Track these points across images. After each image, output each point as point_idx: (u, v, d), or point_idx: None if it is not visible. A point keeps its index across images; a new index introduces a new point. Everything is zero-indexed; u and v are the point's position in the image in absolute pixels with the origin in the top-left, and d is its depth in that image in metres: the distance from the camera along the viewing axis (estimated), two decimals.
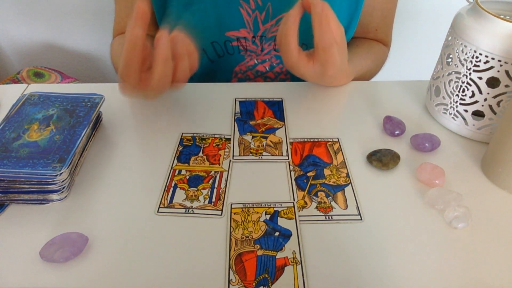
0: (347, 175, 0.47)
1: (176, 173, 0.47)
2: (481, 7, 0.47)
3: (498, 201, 0.45)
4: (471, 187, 0.46)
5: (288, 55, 0.51)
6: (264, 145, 0.51)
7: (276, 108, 0.58)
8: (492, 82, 0.48)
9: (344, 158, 0.49)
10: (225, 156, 0.50)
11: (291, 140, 0.52)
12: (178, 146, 0.51)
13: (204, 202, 0.44)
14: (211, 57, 0.70)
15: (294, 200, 0.44)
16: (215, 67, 0.71)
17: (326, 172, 0.48)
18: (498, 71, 0.46)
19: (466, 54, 0.48)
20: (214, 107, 0.58)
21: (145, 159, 0.49)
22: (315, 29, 0.48)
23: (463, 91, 0.50)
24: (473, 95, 0.49)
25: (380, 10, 0.71)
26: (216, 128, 0.54)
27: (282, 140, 0.52)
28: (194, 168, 0.48)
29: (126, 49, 0.44)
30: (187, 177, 0.47)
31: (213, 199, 0.44)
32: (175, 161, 0.49)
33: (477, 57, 0.47)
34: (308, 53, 0.53)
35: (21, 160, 0.42)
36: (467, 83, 0.49)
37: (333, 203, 0.44)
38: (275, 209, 0.43)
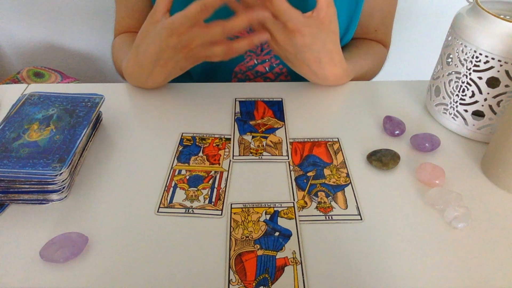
0: (347, 175, 0.47)
1: (176, 173, 0.47)
2: (481, 7, 0.47)
3: (498, 201, 0.45)
4: (471, 187, 0.46)
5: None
6: (264, 145, 0.51)
7: (276, 108, 0.58)
8: (492, 82, 0.48)
9: (344, 158, 0.49)
10: (225, 156, 0.50)
11: (291, 140, 0.52)
12: (178, 146, 0.51)
13: (204, 202, 0.44)
14: None
15: (294, 200, 0.44)
16: (215, 67, 0.71)
17: (326, 172, 0.48)
18: (498, 71, 0.46)
19: (466, 54, 0.48)
20: (214, 107, 0.58)
21: (145, 159, 0.49)
22: None
23: (463, 91, 0.50)
24: (473, 95, 0.49)
25: (379, 11, 0.71)
26: (216, 128, 0.54)
27: (282, 140, 0.52)
28: (194, 168, 0.48)
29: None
30: (187, 177, 0.47)
31: (213, 199, 0.44)
32: (175, 161, 0.49)
33: (477, 57, 0.47)
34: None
35: (21, 160, 0.42)
36: (467, 83, 0.49)
37: (333, 203, 0.44)
38: (275, 209, 0.43)
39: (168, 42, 0.51)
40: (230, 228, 0.41)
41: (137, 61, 0.56)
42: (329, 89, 0.62)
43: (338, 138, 0.53)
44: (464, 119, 0.52)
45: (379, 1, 0.70)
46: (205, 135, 0.53)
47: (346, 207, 0.43)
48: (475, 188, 0.46)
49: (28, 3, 1.20)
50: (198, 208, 0.43)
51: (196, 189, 0.45)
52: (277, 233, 0.41)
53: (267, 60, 0.70)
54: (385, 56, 0.77)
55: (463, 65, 0.49)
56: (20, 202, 0.43)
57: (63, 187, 0.43)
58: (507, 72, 0.46)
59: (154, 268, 0.37)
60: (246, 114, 0.56)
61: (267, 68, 0.71)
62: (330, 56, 0.56)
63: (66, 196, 0.44)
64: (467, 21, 0.48)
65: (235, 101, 0.59)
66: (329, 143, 0.52)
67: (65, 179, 0.43)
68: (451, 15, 0.53)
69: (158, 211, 0.43)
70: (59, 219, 0.42)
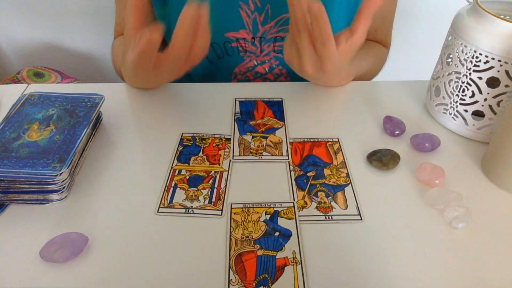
0: (347, 175, 0.47)
1: (176, 173, 0.47)
2: (481, 7, 0.47)
3: (498, 201, 0.45)
4: (471, 187, 0.46)
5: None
6: (264, 145, 0.51)
7: (276, 108, 0.58)
8: (492, 82, 0.48)
9: (344, 158, 0.49)
10: (225, 156, 0.50)
11: (291, 140, 0.52)
12: (178, 146, 0.51)
13: (204, 202, 0.44)
14: (210, 58, 0.70)
15: (294, 200, 0.44)
16: (215, 68, 0.71)
17: (326, 172, 0.48)
18: (498, 71, 0.46)
19: (466, 54, 0.48)
20: (214, 107, 0.58)
21: (145, 159, 0.49)
22: (314, 25, 0.48)
23: (463, 91, 0.50)
24: (473, 95, 0.49)
25: (379, 11, 0.71)
26: (216, 128, 0.54)
27: (282, 140, 0.52)
28: (194, 168, 0.48)
29: (141, 50, 0.46)
30: (187, 177, 0.47)
31: (213, 199, 0.44)
32: (175, 161, 0.49)
33: (477, 57, 0.47)
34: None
35: (21, 160, 0.42)
36: (467, 83, 0.49)
37: (333, 203, 0.44)
38: (275, 209, 0.43)
39: (139, 71, 0.50)
40: (230, 228, 0.41)
41: (128, 72, 0.57)
42: (329, 89, 0.62)
43: (338, 138, 0.53)
44: (464, 119, 0.52)
45: None
46: (205, 135, 0.53)
47: (346, 207, 0.43)
48: (475, 188, 0.46)
49: (28, 3, 1.20)
50: (198, 208, 0.43)
51: (196, 189, 0.45)
52: (277, 233, 0.41)
53: (266, 61, 0.70)
54: (386, 57, 0.77)
55: (463, 65, 0.49)
56: (20, 202, 0.43)
57: (63, 187, 0.43)
58: (507, 72, 0.46)
59: (154, 268, 0.37)
60: (246, 114, 0.56)
61: (266, 69, 0.71)
62: (340, 71, 0.57)
63: (66, 196, 0.44)
64: (467, 21, 0.48)
65: (235, 101, 0.59)
66: (329, 143, 0.52)
67: (65, 179, 0.43)
68: (451, 15, 0.53)
69: (158, 211, 0.43)
70: (59, 219, 0.42)
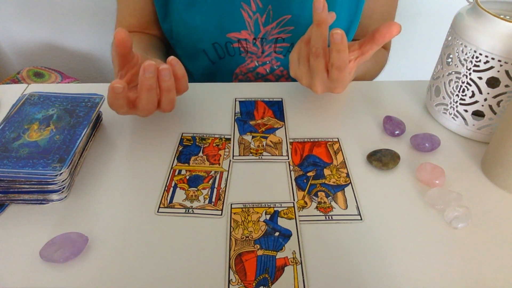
0: (347, 175, 0.47)
1: (176, 173, 0.47)
2: (481, 7, 0.47)
3: (498, 201, 0.45)
4: (471, 187, 0.46)
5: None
6: (264, 145, 0.51)
7: (276, 108, 0.58)
8: (492, 82, 0.48)
9: (344, 158, 0.49)
10: (225, 156, 0.50)
11: (291, 140, 0.52)
12: (178, 146, 0.51)
13: (204, 202, 0.44)
14: (212, 58, 0.70)
15: (294, 200, 0.44)
16: (216, 68, 0.71)
17: (326, 172, 0.48)
18: (498, 71, 0.46)
19: (466, 54, 0.48)
20: (214, 107, 0.58)
21: (145, 159, 0.49)
22: (334, 50, 0.46)
23: (463, 91, 0.50)
24: (473, 95, 0.49)
25: (379, 13, 0.71)
26: (216, 128, 0.54)
27: (282, 140, 0.52)
28: (194, 168, 0.48)
29: (109, 98, 0.45)
30: (187, 177, 0.47)
31: (213, 199, 0.44)
32: (175, 161, 0.49)
33: (477, 57, 0.47)
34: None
35: (21, 160, 0.42)
36: (467, 83, 0.49)
37: (333, 203, 0.44)
38: (275, 209, 0.43)
39: (115, 109, 0.47)
40: (230, 228, 0.41)
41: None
42: None
43: (338, 138, 0.53)
44: (464, 119, 0.52)
45: (379, 4, 0.70)
46: (205, 135, 0.53)
47: (346, 207, 0.43)
48: (475, 188, 0.46)
49: (28, 3, 1.20)
50: (198, 208, 0.43)
51: (196, 189, 0.45)
52: (277, 233, 0.41)
53: (268, 62, 0.70)
54: (386, 59, 0.77)
55: (463, 65, 0.49)
56: (20, 202, 0.43)
57: (63, 187, 0.43)
58: (507, 72, 0.46)
59: (154, 268, 0.37)
60: (246, 114, 0.56)
61: (267, 70, 0.71)
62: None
63: (66, 196, 0.44)
64: (467, 21, 0.48)
65: (235, 101, 0.59)
66: (329, 143, 0.52)
67: (65, 179, 0.43)
68: (451, 15, 0.53)
69: (158, 211, 0.43)
70: (59, 219, 0.42)
